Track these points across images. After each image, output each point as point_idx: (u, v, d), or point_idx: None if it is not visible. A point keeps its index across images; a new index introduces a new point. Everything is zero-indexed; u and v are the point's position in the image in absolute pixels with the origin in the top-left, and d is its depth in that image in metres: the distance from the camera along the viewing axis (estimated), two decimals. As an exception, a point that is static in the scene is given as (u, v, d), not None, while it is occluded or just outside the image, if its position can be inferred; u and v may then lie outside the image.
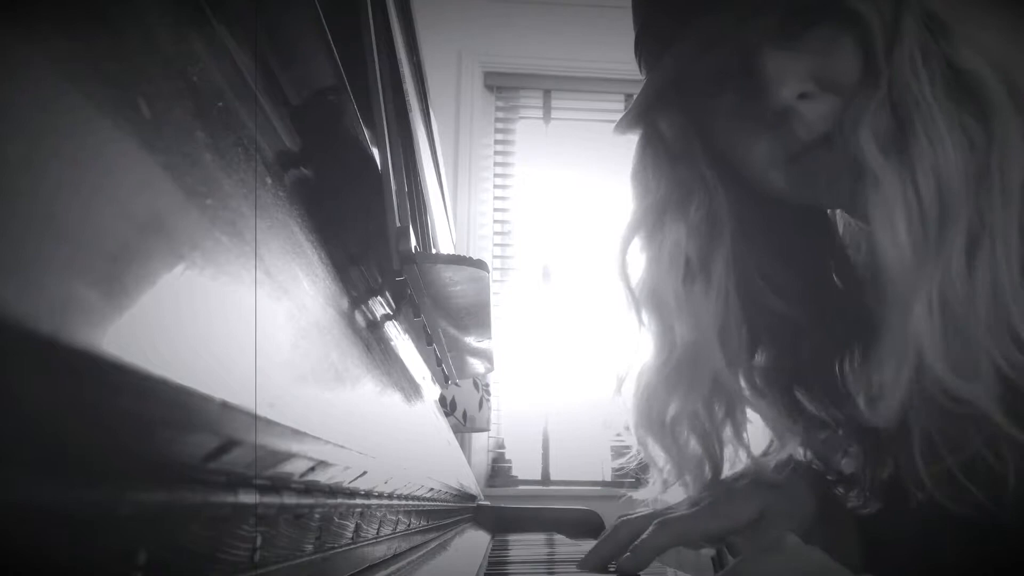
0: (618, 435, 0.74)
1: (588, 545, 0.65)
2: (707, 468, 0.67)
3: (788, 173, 0.58)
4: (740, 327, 0.65)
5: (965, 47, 0.53)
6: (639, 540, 0.59)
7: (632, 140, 0.68)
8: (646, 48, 0.62)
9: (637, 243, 0.67)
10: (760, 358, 0.70)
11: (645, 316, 0.66)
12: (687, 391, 0.64)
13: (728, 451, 0.68)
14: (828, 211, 0.69)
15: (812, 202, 0.61)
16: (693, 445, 0.66)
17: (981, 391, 0.51)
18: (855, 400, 0.60)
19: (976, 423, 0.52)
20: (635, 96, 0.63)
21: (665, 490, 0.69)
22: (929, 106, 0.52)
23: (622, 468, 0.72)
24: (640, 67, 0.63)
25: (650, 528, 0.59)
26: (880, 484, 0.62)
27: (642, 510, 0.65)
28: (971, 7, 0.57)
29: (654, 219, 0.65)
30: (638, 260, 0.67)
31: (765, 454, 0.69)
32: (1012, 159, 0.52)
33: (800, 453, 0.70)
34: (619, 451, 0.75)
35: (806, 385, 0.68)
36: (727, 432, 0.67)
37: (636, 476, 0.72)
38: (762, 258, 0.66)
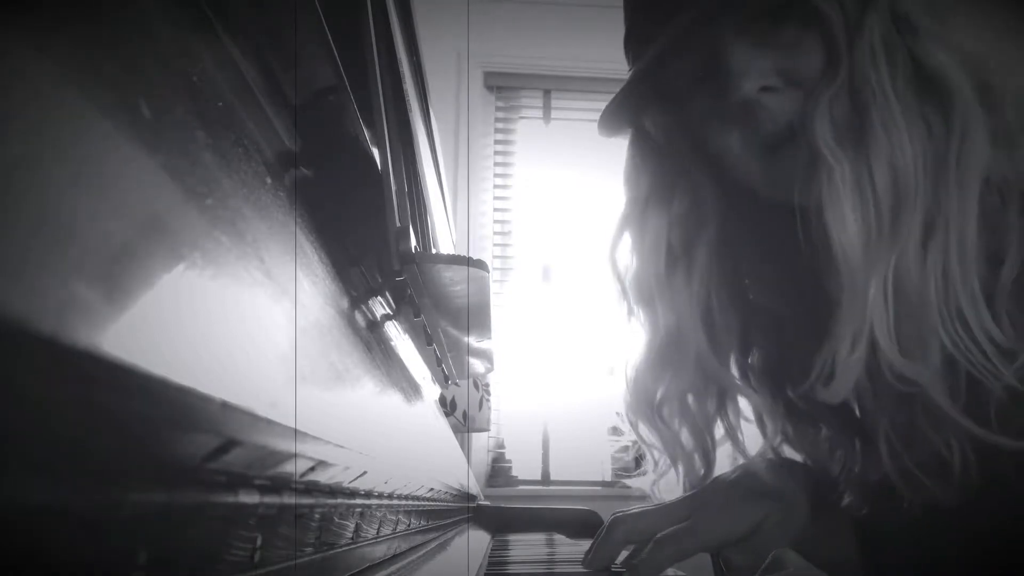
0: (614, 429, 0.76)
1: (588, 545, 0.65)
2: (698, 461, 0.68)
3: (764, 167, 0.60)
4: (726, 316, 0.68)
5: (932, 44, 0.56)
6: (638, 561, 0.57)
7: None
8: (630, 48, 0.65)
9: (627, 236, 0.70)
10: (753, 359, 0.71)
11: (633, 304, 0.69)
12: (673, 375, 0.67)
13: (724, 451, 0.69)
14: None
15: (788, 198, 0.62)
16: (685, 435, 0.68)
17: (926, 372, 0.53)
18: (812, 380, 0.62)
19: (926, 411, 0.55)
20: (614, 96, 0.66)
21: (659, 479, 0.70)
22: (887, 97, 0.54)
23: (621, 459, 0.74)
24: (629, 66, 0.65)
25: (648, 548, 0.58)
26: (870, 485, 0.62)
27: (635, 507, 0.64)
28: (950, 11, 0.58)
29: (639, 211, 0.69)
30: (628, 253, 0.71)
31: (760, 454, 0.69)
32: (971, 150, 0.54)
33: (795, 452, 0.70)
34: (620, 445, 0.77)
35: (795, 383, 0.68)
36: (720, 428, 0.69)
37: (636, 461, 0.74)
38: (743, 253, 0.68)
